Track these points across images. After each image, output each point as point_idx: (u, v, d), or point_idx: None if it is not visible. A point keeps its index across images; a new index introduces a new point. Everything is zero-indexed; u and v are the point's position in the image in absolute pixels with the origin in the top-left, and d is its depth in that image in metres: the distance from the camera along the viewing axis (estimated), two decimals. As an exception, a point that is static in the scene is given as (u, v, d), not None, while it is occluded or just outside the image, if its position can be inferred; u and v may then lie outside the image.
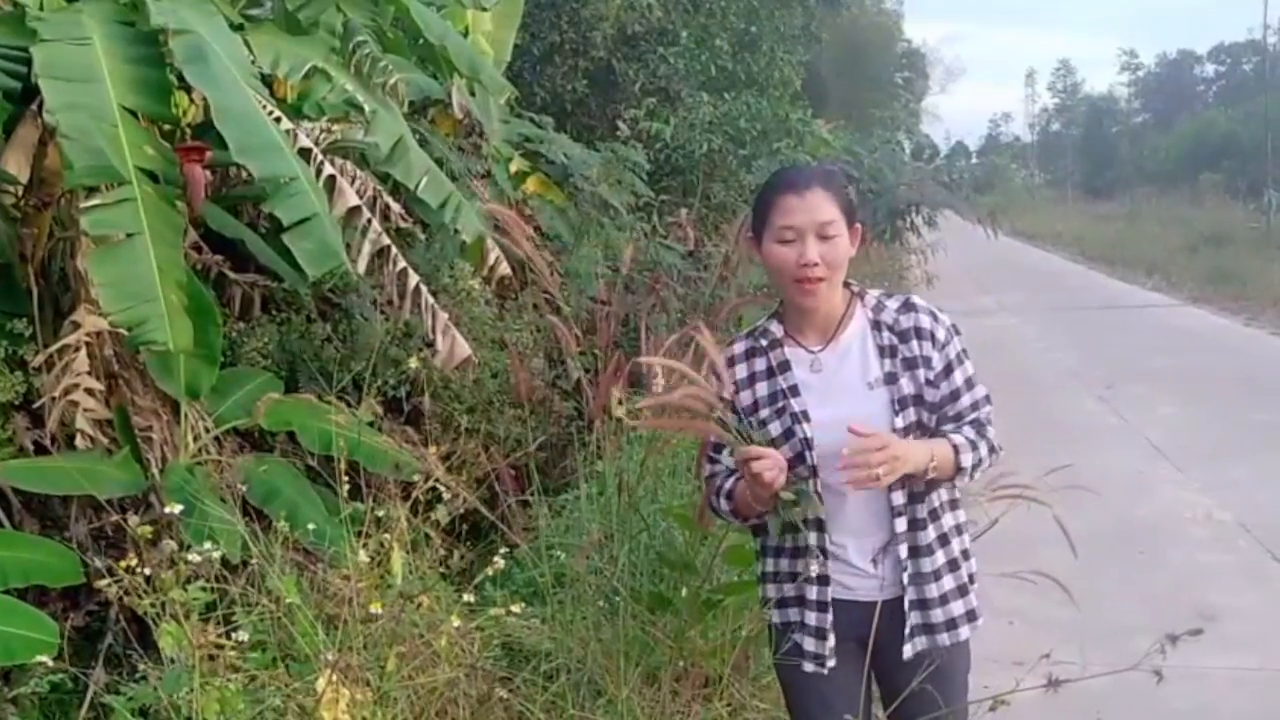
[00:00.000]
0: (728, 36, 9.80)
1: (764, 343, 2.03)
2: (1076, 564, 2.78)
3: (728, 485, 2.05)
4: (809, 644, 2.01)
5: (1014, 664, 2.35)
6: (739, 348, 2.06)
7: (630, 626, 2.91)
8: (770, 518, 1.97)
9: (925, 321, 1.99)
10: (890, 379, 1.95)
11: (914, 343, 1.97)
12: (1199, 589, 4.50)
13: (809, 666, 2.01)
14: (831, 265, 1.93)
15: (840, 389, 1.95)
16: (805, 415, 1.94)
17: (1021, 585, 2.79)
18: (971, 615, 2.05)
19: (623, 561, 3.09)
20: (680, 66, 9.22)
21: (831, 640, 2.00)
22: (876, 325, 1.99)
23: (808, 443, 1.94)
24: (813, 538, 1.97)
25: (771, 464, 1.85)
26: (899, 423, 1.93)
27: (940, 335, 1.99)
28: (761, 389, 2.00)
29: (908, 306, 2.02)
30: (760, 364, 2.02)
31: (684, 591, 2.94)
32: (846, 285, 2.02)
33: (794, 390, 1.97)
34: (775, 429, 1.96)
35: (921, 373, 1.96)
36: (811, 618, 2.00)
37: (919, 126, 37.28)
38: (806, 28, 13.05)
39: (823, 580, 1.98)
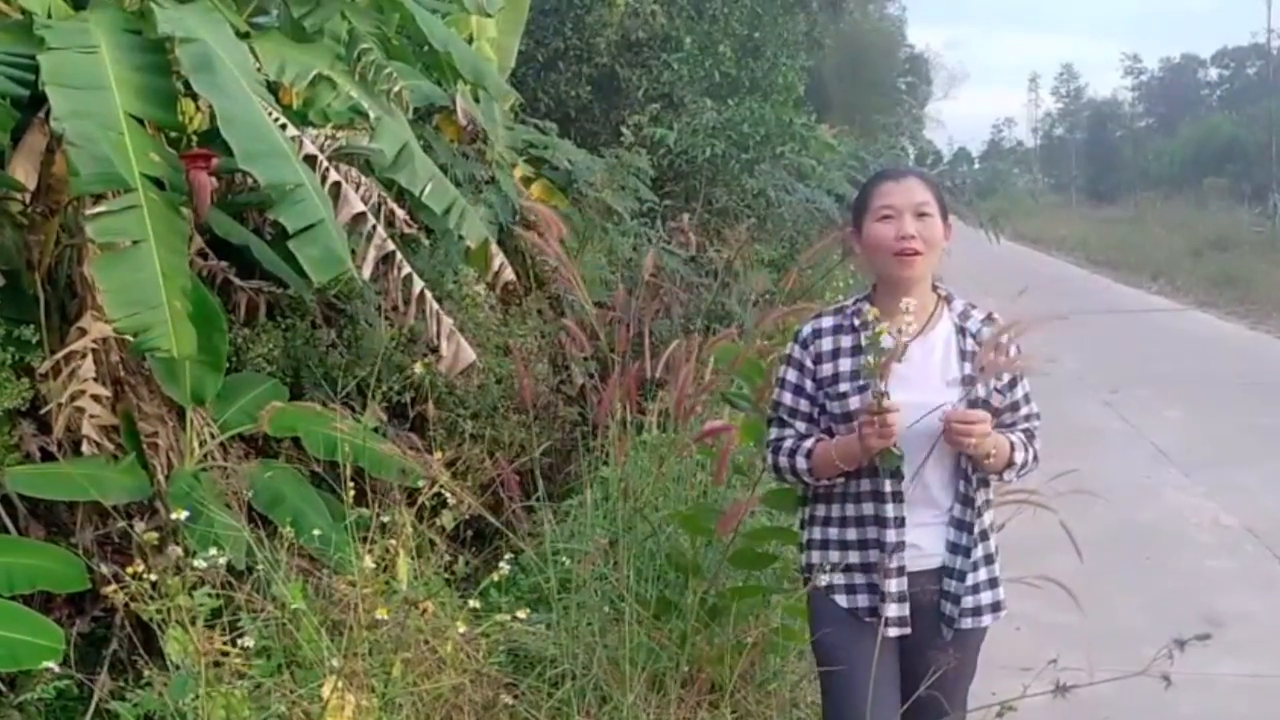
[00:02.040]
0: (731, 43, 9.81)
1: (854, 322, 2.15)
2: (1082, 569, 2.78)
3: (807, 445, 2.15)
4: (892, 610, 2.09)
5: (1021, 669, 2.36)
6: (826, 322, 2.20)
7: (635, 632, 2.91)
8: (882, 461, 2.06)
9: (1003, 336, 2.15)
10: (967, 381, 2.11)
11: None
12: (1205, 595, 4.48)
13: (893, 631, 2.09)
14: (928, 242, 2.08)
15: (921, 379, 2.09)
16: (887, 394, 2.04)
17: (1028, 590, 2.79)
18: (997, 606, 2.18)
19: (628, 567, 3.09)
20: (684, 72, 9.23)
21: (908, 605, 2.10)
22: (961, 330, 2.16)
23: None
24: (890, 509, 2.09)
25: (899, 418, 1.99)
26: None
27: (1013, 351, 2.16)
28: (845, 364, 2.13)
29: (990, 319, 2.20)
30: (847, 341, 2.15)
31: (690, 597, 2.94)
32: (934, 289, 2.17)
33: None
34: (855, 403, 2.08)
35: (993, 381, 2.13)
36: (893, 584, 2.09)
37: (922, 132, 37.28)
38: (809, 34, 13.06)
39: (899, 547, 2.09)
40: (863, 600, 2.14)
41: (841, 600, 2.15)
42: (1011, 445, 2.13)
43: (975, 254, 17.79)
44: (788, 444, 2.19)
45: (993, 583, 2.18)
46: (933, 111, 45.90)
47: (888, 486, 2.09)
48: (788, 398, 2.20)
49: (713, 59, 9.45)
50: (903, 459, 2.06)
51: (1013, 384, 2.19)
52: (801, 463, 2.16)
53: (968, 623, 2.14)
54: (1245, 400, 8.35)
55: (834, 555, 2.17)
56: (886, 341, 2.01)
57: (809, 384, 2.17)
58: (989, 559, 2.17)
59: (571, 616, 3.03)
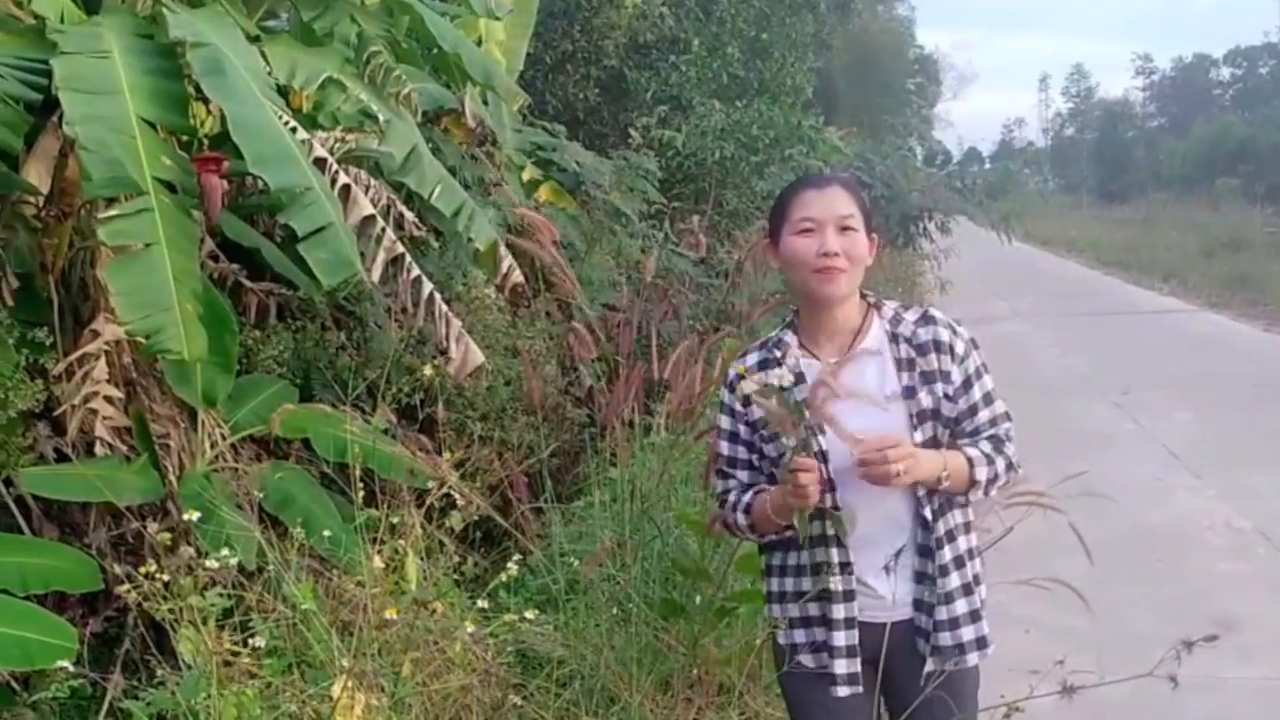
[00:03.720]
0: (739, 44, 9.82)
1: (777, 354, 2.00)
2: (1092, 572, 2.77)
3: (745, 499, 2.02)
4: (840, 666, 1.94)
5: (1030, 672, 2.34)
6: (751, 359, 2.03)
7: (643, 633, 2.92)
8: (798, 526, 1.91)
9: (944, 335, 1.96)
10: (909, 393, 1.93)
11: (932, 356, 1.95)
12: (1217, 598, 4.46)
13: (843, 690, 1.94)
14: (851, 258, 1.92)
15: (856, 403, 1.89)
16: (820, 428, 1.89)
17: (1037, 593, 2.78)
18: (982, 642, 1.99)
19: (636, 569, 3.09)
20: (692, 75, 9.24)
21: (859, 659, 1.95)
22: (894, 338, 1.96)
23: (823, 455, 1.90)
24: (835, 554, 1.93)
25: (815, 477, 1.84)
26: (917, 437, 1.91)
27: (959, 349, 1.97)
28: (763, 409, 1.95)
29: (926, 319, 1.99)
30: (773, 376, 1.97)
31: (697, 599, 2.94)
32: (863, 296, 2.00)
33: (809, 403, 1.91)
34: (789, 441, 1.90)
35: (940, 387, 1.93)
36: (840, 637, 1.94)
37: (931, 133, 37.25)
38: (818, 35, 13.04)
39: (849, 596, 1.93)
40: (825, 658, 1.96)
41: (808, 661, 1.99)
42: (970, 461, 1.91)
43: (986, 255, 17.78)
44: (730, 498, 2.06)
45: (974, 615, 1.96)
46: (942, 112, 45.82)
47: (829, 529, 1.91)
48: (725, 447, 2.06)
49: (721, 61, 9.46)
50: (850, 515, 1.89)
51: (967, 385, 1.95)
52: (742, 520, 2.02)
53: (951, 664, 1.95)
54: (1257, 402, 8.30)
55: (792, 609, 2.01)
56: (799, 393, 1.88)
57: (742, 429, 2.02)
58: (967, 589, 1.96)
59: (580, 618, 3.04)
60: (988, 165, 62.34)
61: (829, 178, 2.03)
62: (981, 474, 1.92)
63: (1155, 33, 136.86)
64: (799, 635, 2.01)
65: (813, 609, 1.98)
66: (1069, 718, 2.30)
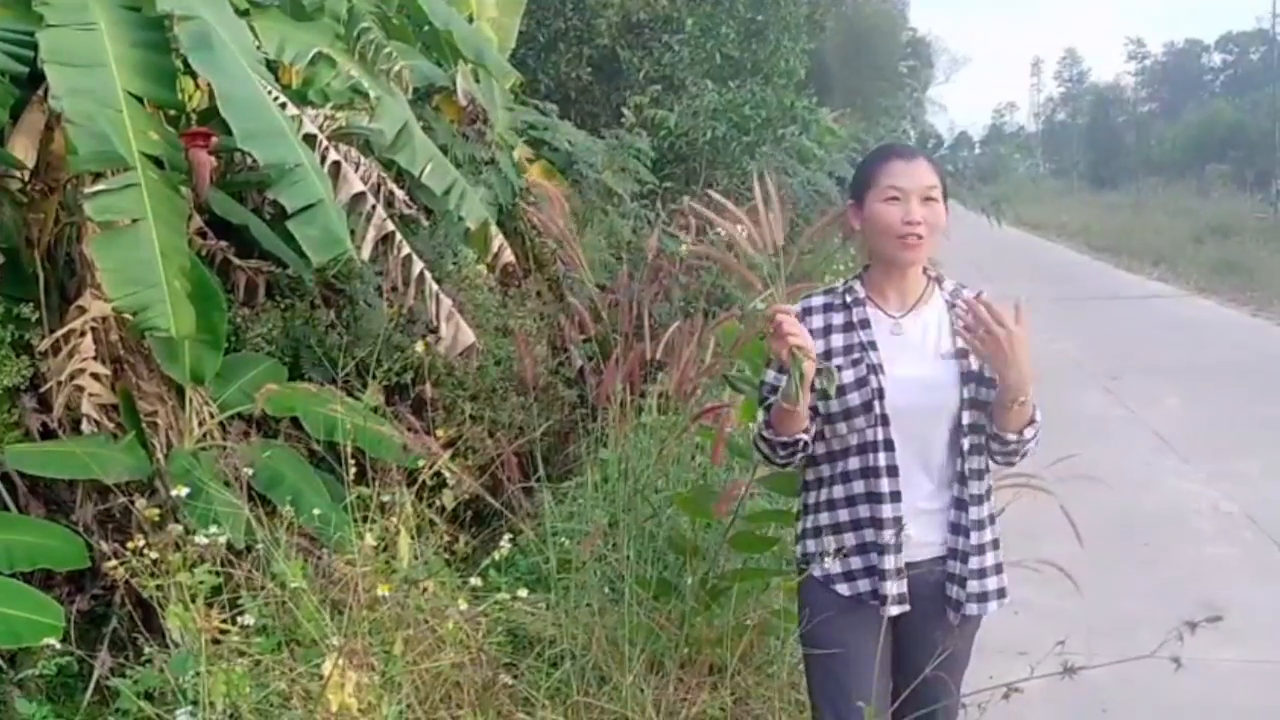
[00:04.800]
0: (733, 25, 9.76)
1: (847, 299, 2.13)
2: (1082, 555, 2.78)
3: (768, 415, 2.11)
4: (890, 587, 2.05)
5: (1019, 654, 2.35)
6: (817, 300, 2.17)
7: (635, 613, 2.91)
8: (786, 385, 1.99)
9: None
10: (962, 354, 2.07)
11: None
12: (1205, 581, 4.49)
13: (894, 610, 2.06)
14: (932, 227, 2.06)
15: (915, 354, 2.08)
16: (881, 368, 2.05)
17: (1026, 575, 2.79)
18: (1002, 592, 2.14)
19: (628, 548, 3.09)
20: (685, 55, 9.19)
21: (906, 580, 2.06)
22: (951, 305, 2.12)
23: (879, 392, 2.04)
24: (886, 484, 2.06)
25: (795, 320, 1.96)
26: (966, 394, 2.07)
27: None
28: (837, 340, 2.10)
29: (979, 298, 2.14)
30: (838, 318, 2.12)
31: (689, 579, 2.94)
32: (924, 271, 2.15)
33: (873, 345, 2.08)
34: (849, 376, 2.05)
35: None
36: (890, 560, 2.06)
37: (924, 116, 37.20)
38: (811, 16, 12.98)
39: (897, 523, 2.05)
40: (863, 585, 2.10)
41: (843, 589, 2.12)
42: (1035, 406, 2.06)
43: (976, 239, 17.77)
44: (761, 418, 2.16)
45: (998, 568, 2.14)
46: (934, 95, 45.81)
47: (881, 460, 2.05)
48: (770, 375, 2.17)
49: (714, 41, 9.41)
50: (830, 372, 2.00)
51: None
52: (761, 416, 2.12)
53: (973, 608, 2.10)
54: (1246, 387, 8.34)
55: (829, 541, 2.13)
56: (863, 335, 2.05)
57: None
58: (995, 544, 2.14)
59: (571, 597, 3.04)
60: (978, 150, 62.34)
61: (914, 151, 2.16)
62: (1039, 416, 2.08)
63: (1148, 18, 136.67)
64: (837, 565, 2.12)
65: (850, 539, 2.10)
66: (1059, 698, 2.32)
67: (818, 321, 2.12)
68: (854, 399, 2.04)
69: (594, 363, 4.14)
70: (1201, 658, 3.32)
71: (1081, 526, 2.77)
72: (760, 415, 2.16)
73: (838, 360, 2.07)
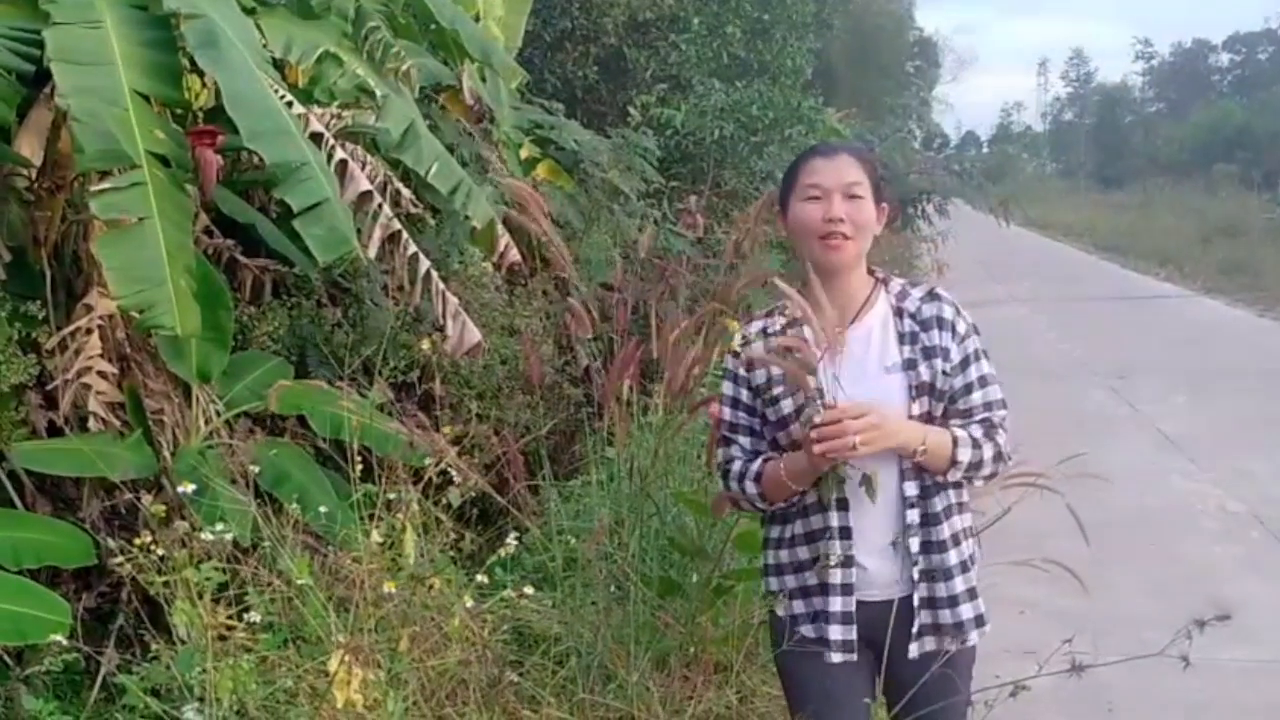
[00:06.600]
0: (740, 24, 9.74)
1: (781, 320, 2.01)
2: (1088, 554, 2.77)
3: (754, 468, 2.00)
4: (835, 632, 1.94)
5: (1025, 653, 2.35)
6: (754, 326, 2.06)
7: (640, 611, 2.91)
8: (820, 487, 1.91)
9: (948, 312, 1.99)
10: (908, 365, 1.94)
11: (934, 332, 1.96)
12: (1211, 580, 4.48)
13: (837, 657, 1.95)
14: (857, 226, 1.92)
15: (855, 370, 1.92)
16: (820, 394, 1.89)
17: (1033, 575, 2.78)
18: (980, 620, 2.00)
19: (633, 546, 3.09)
20: (691, 54, 9.18)
21: (854, 627, 1.95)
22: (899, 312, 1.98)
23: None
24: (834, 518, 1.93)
25: (842, 429, 1.80)
26: (915, 409, 1.92)
27: (960, 328, 1.99)
28: (775, 367, 1.97)
29: (932, 296, 2.01)
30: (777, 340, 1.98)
31: (695, 577, 2.94)
32: (870, 272, 2.02)
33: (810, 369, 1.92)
34: (787, 406, 1.94)
35: (939, 362, 1.94)
36: (836, 603, 1.94)
37: (930, 115, 37.10)
38: (818, 15, 12.96)
39: (847, 562, 1.93)
40: (823, 625, 1.95)
41: (808, 630, 1.98)
42: (955, 440, 1.90)
43: (983, 238, 17.75)
44: (735, 466, 2.03)
45: (971, 594, 1.97)
46: (941, 95, 45.55)
47: (833, 493, 1.91)
48: (727, 413, 2.06)
49: (721, 40, 9.40)
50: (844, 481, 1.87)
51: (965, 364, 1.96)
52: (751, 488, 1.99)
53: (952, 644, 1.95)
54: (1253, 387, 8.31)
55: (790, 580, 2.01)
56: (808, 333, 1.86)
57: (745, 394, 2.02)
58: (964, 567, 1.97)
59: (577, 595, 3.04)
60: (985, 149, 62.21)
61: (838, 146, 2.05)
62: (964, 455, 1.90)
63: (1155, 18, 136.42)
64: (799, 606, 2.00)
65: (811, 578, 1.98)
66: (1065, 697, 2.31)
67: (759, 349, 2.00)
68: (797, 430, 1.91)
69: (599, 362, 4.14)
70: (1209, 657, 3.31)
71: (1088, 526, 2.76)
72: (732, 465, 2.03)
73: (777, 389, 1.96)
